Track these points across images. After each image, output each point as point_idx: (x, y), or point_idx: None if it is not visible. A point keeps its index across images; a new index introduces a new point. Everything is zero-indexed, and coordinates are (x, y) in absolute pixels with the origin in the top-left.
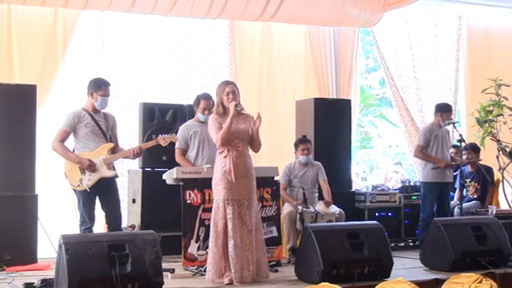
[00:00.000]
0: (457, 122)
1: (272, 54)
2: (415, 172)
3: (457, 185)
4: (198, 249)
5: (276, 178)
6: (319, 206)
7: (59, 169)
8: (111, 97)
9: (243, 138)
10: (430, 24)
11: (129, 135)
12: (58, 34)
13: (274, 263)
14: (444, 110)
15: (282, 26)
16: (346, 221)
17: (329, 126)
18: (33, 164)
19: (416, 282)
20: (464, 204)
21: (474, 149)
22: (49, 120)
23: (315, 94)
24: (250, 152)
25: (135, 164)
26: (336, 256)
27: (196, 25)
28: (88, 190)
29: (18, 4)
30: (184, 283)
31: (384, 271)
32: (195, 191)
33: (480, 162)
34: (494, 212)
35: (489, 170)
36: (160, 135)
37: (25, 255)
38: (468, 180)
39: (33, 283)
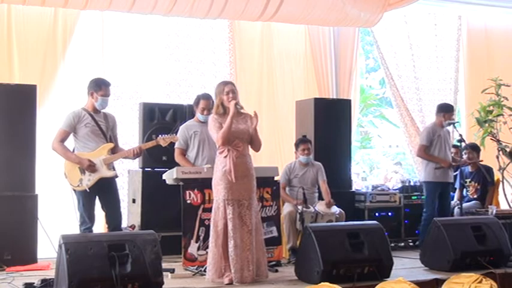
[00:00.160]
0: (457, 122)
1: (272, 54)
2: (415, 172)
3: (457, 185)
4: (198, 249)
5: (276, 178)
6: (319, 206)
7: (59, 169)
8: (111, 97)
9: (243, 138)
10: (430, 24)
11: (129, 135)
12: (58, 34)
13: (274, 263)
14: (447, 110)
15: (282, 26)
16: (346, 221)
17: (329, 126)
18: (33, 164)
19: (416, 282)
20: (464, 204)
21: (475, 149)
22: (49, 120)
23: (315, 94)
24: (251, 151)
25: (135, 164)
26: (336, 256)
27: (196, 25)
28: (88, 190)
29: (18, 4)
30: (184, 283)
31: (384, 271)
32: (195, 191)
33: (480, 162)
34: (494, 212)
35: (489, 170)
36: (160, 136)
37: (25, 255)
38: (468, 180)
39: (33, 283)
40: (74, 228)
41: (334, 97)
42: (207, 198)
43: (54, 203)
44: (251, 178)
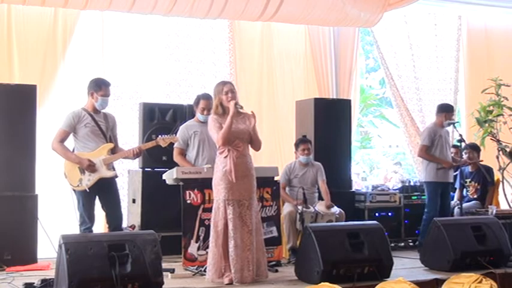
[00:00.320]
0: (457, 122)
1: (272, 54)
2: (415, 172)
3: (457, 185)
4: (198, 249)
5: (276, 178)
6: (319, 206)
7: (59, 169)
8: (111, 97)
9: (243, 138)
10: (430, 24)
11: (129, 135)
12: (58, 34)
13: (274, 263)
14: (448, 110)
15: (282, 26)
16: (346, 221)
17: (329, 126)
18: (33, 164)
19: (416, 282)
20: (464, 204)
21: (475, 149)
22: (49, 120)
23: (315, 94)
24: (251, 151)
25: (135, 164)
26: (336, 256)
27: (196, 25)
28: (87, 190)
29: (18, 4)
30: (184, 283)
31: (384, 271)
32: (195, 191)
33: (481, 162)
34: (494, 212)
35: (489, 170)
36: (160, 136)
37: (25, 255)
38: (468, 180)
39: (33, 283)
40: (74, 228)
41: (334, 97)
42: (207, 198)
43: (54, 203)
44: (251, 178)
